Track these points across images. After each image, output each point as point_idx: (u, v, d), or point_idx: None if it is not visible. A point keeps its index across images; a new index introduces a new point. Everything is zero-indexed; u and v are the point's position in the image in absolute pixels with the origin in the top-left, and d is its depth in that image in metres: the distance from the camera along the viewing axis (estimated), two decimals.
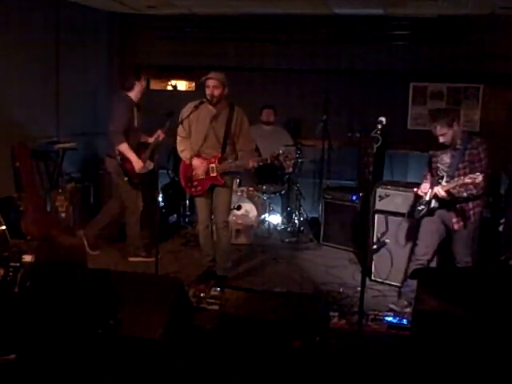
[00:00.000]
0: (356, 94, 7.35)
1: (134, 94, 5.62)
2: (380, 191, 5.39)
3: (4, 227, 5.21)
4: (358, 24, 7.19)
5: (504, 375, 3.07)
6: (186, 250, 6.25)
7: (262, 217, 6.84)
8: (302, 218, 6.97)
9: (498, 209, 5.92)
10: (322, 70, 7.40)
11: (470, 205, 4.45)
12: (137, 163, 5.50)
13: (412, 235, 4.94)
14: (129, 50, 7.99)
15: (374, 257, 5.42)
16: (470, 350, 3.16)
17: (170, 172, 7.05)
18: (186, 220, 7.07)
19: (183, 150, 5.02)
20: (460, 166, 4.40)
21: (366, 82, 7.31)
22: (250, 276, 5.50)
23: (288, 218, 7.11)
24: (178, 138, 5.01)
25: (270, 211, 6.99)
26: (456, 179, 4.30)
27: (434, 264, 4.89)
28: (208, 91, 4.80)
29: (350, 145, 7.28)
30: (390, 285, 5.24)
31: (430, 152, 4.68)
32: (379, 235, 5.35)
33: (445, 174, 4.44)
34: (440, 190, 4.36)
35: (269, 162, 4.77)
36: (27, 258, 3.92)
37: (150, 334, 3.37)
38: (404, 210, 5.05)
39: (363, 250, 5.21)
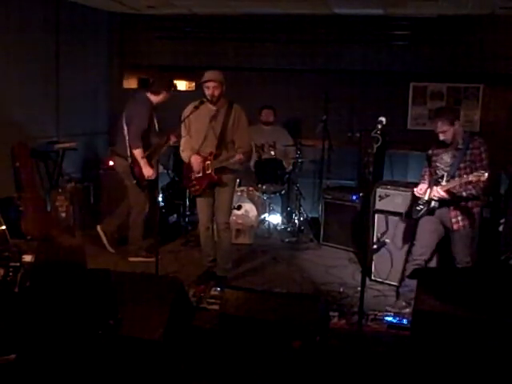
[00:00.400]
0: (356, 94, 7.35)
1: (156, 99, 5.64)
2: (380, 191, 5.39)
3: (4, 227, 5.21)
4: (358, 24, 7.19)
5: (504, 375, 3.07)
6: (186, 250, 6.25)
7: (262, 217, 6.84)
8: (302, 218, 6.97)
9: (498, 209, 5.91)
10: (322, 70, 7.40)
11: (470, 204, 4.45)
12: (147, 171, 5.52)
13: (409, 235, 4.94)
14: (129, 50, 7.99)
15: (374, 257, 5.42)
16: (470, 350, 3.16)
17: (169, 172, 7.05)
18: (186, 220, 7.07)
19: (183, 150, 5.06)
20: (461, 165, 4.40)
21: (366, 82, 7.31)
22: (250, 276, 5.50)
23: (288, 218, 7.10)
24: (182, 139, 5.05)
25: (270, 211, 6.99)
26: (458, 178, 4.30)
27: (433, 264, 4.90)
28: (208, 92, 4.81)
29: (350, 145, 7.28)
30: (390, 285, 5.23)
31: (429, 151, 4.67)
32: (379, 235, 5.36)
33: (445, 173, 4.44)
34: (439, 190, 4.36)
35: (254, 151, 4.73)
36: (27, 257, 3.92)
37: (149, 334, 3.37)
38: (404, 209, 5.05)
39: (363, 249, 5.21)
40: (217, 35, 7.65)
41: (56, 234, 5.49)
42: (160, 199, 6.78)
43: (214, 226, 5.20)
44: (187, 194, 6.72)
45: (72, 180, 6.72)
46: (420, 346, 3.34)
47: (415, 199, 4.68)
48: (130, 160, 5.56)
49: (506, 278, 4.27)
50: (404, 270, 4.92)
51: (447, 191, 4.34)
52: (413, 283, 4.54)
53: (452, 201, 4.43)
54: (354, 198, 6.31)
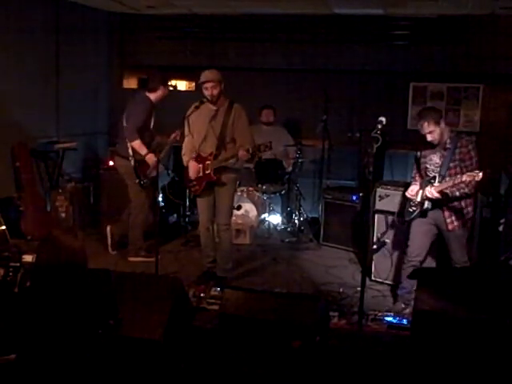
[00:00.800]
0: (356, 94, 7.35)
1: (154, 97, 5.64)
2: (380, 191, 5.39)
3: (4, 227, 5.21)
4: (358, 24, 7.19)
5: (504, 375, 3.07)
6: (186, 250, 6.25)
7: (262, 217, 6.85)
8: (302, 218, 6.97)
9: (498, 209, 5.90)
10: (322, 70, 7.39)
11: (463, 204, 4.43)
12: (150, 158, 5.51)
13: (403, 237, 4.92)
14: (129, 50, 7.99)
15: (374, 257, 5.42)
16: (470, 350, 3.16)
17: (169, 172, 7.05)
18: (186, 220, 7.07)
19: (184, 153, 5.09)
20: (451, 165, 4.38)
21: (366, 82, 7.31)
22: (250, 276, 5.50)
23: (288, 218, 7.10)
24: (185, 140, 5.08)
25: (270, 211, 6.99)
26: (449, 178, 4.28)
27: (433, 264, 4.89)
28: (207, 92, 4.83)
29: (350, 145, 7.28)
30: (390, 285, 5.24)
31: (417, 153, 4.64)
32: (379, 235, 5.36)
33: (436, 174, 4.42)
34: (433, 191, 4.34)
35: (250, 151, 4.72)
36: (27, 257, 3.92)
37: (150, 334, 3.37)
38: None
39: (363, 249, 5.21)
40: (217, 35, 7.65)
41: (57, 234, 5.49)
42: (160, 199, 6.78)
43: (215, 227, 5.20)
44: (187, 193, 6.72)
45: (72, 180, 6.73)
46: (420, 345, 3.33)
47: (406, 201, 4.67)
48: (132, 160, 5.56)
49: (505, 277, 4.26)
50: (399, 272, 4.91)
51: (440, 192, 4.32)
52: (410, 285, 4.56)
53: (445, 201, 4.41)
54: (354, 198, 6.31)
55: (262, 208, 6.78)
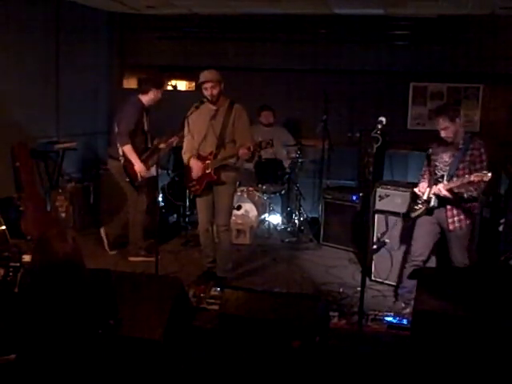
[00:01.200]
0: (356, 94, 7.35)
1: (146, 99, 5.59)
2: (380, 191, 5.39)
3: (4, 227, 5.22)
4: (358, 24, 7.19)
5: (504, 375, 3.07)
6: (186, 250, 6.25)
7: (262, 217, 6.84)
8: (302, 218, 6.97)
9: (498, 209, 5.91)
10: (322, 70, 7.40)
11: (467, 205, 4.43)
12: (138, 166, 5.51)
13: (407, 236, 4.93)
14: (129, 50, 7.99)
15: (374, 257, 5.42)
16: (470, 350, 3.16)
17: (169, 172, 7.05)
18: (186, 220, 7.07)
19: (184, 152, 5.07)
20: (460, 166, 4.38)
21: (366, 82, 7.31)
22: (250, 276, 5.49)
23: (288, 218, 7.10)
24: (185, 140, 5.07)
25: (270, 211, 6.99)
26: (457, 178, 4.28)
27: (432, 265, 4.89)
28: (207, 92, 4.82)
29: (350, 145, 7.28)
30: (390, 285, 5.23)
31: (429, 150, 4.63)
32: (379, 235, 5.35)
33: (444, 173, 4.43)
34: (441, 189, 4.34)
35: (251, 150, 4.72)
36: (27, 257, 3.92)
37: (149, 334, 3.37)
38: (404, 210, 5.04)
39: (363, 249, 5.21)
40: (217, 35, 7.65)
41: (48, 236, 5.49)
42: (160, 199, 6.78)
43: (214, 227, 5.20)
44: (187, 194, 6.72)
45: (72, 180, 6.73)
46: (420, 345, 3.33)
47: (414, 198, 4.67)
48: (122, 160, 5.55)
49: (505, 278, 4.26)
50: (402, 271, 4.91)
51: (449, 190, 4.32)
52: (411, 284, 4.55)
53: (451, 201, 4.42)
54: (354, 198, 6.30)
55: (262, 208, 6.78)
